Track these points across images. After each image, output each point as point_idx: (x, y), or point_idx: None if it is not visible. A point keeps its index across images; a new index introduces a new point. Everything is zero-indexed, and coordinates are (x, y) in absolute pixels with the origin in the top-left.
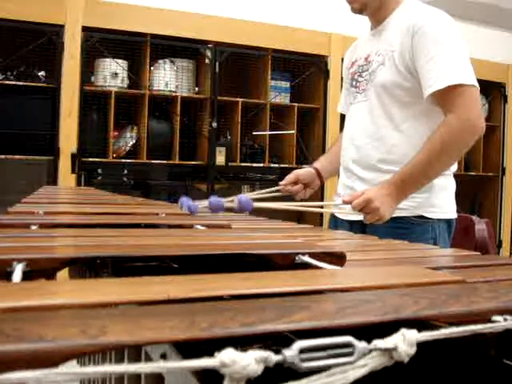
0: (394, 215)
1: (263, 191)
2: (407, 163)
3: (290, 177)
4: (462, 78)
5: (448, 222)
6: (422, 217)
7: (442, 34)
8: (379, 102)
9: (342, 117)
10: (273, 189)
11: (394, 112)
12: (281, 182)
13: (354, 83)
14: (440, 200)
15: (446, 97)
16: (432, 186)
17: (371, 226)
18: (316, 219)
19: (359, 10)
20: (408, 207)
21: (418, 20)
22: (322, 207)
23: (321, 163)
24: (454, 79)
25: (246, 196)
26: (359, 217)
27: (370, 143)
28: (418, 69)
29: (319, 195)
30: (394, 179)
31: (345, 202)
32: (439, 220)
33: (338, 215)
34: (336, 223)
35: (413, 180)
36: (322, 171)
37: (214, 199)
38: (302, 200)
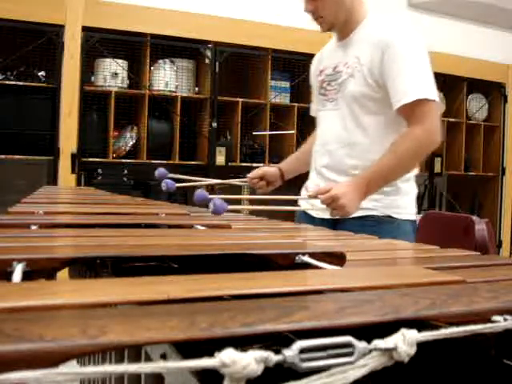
0: (364, 214)
1: (231, 180)
2: (374, 164)
3: (257, 172)
4: (428, 94)
5: (411, 222)
6: (389, 217)
7: (409, 50)
8: (350, 112)
9: None
10: (240, 180)
11: (364, 121)
12: (249, 175)
13: (322, 91)
14: (404, 202)
15: (412, 109)
16: (398, 189)
17: (342, 223)
18: None
19: (328, 29)
20: (377, 207)
21: (386, 36)
22: (296, 202)
23: (287, 166)
24: (420, 94)
25: (220, 199)
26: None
27: (342, 149)
28: (388, 83)
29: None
30: (363, 177)
31: (310, 197)
32: (404, 220)
33: (311, 213)
34: (306, 219)
35: (379, 180)
36: (286, 173)
37: (199, 194)
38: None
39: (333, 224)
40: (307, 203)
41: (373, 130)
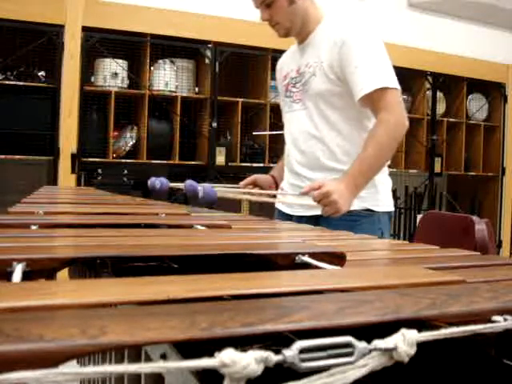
0: None
1: (226, 186)
2: (358, 158)
3: (249, 179)
4: (386, 82)
5: (389, 213)
6: (369, 210)
7: (365, 43)
8: (317, 109)
9: None
10: (233, 186)
11: (332, 116)
12: (241, 183)
13: (288, 94)
14: (382, 195)
15: (374, 99)
16: (374, 182)
17: (324, 220)
18: None
19: (285, 35)
20: (355, 203)
21: (343, 33)
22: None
23: (278, 171)
24: (379, 83)
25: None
26: (312, 212)
27: (314, 146)
28: (347, 76)
29: None
30: (351, 173)
31: (303, 194)
32: (383, 212)
33: (288, 211)
34: (284, 219)
35: (366, 173)
36: (278, 178)
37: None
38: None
39: (315, 222)
40: (284, 203)
41: (341, 126)
